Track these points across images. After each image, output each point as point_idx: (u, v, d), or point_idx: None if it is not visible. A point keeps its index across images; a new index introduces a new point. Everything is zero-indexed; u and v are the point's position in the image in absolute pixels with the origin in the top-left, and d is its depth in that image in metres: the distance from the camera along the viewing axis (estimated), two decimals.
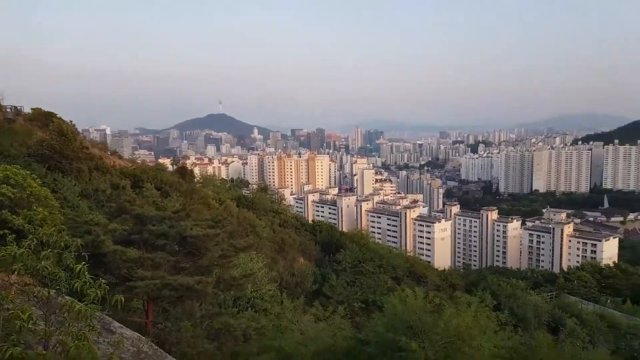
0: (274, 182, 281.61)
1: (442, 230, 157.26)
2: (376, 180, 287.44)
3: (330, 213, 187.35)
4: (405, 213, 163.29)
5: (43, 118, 38.17)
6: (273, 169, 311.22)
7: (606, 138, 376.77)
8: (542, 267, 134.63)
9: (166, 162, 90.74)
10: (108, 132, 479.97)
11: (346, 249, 44.41)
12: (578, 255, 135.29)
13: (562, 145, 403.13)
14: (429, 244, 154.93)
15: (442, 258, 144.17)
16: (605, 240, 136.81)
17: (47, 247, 6.79)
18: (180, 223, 14.77)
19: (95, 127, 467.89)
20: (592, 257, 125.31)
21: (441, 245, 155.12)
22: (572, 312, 42.60)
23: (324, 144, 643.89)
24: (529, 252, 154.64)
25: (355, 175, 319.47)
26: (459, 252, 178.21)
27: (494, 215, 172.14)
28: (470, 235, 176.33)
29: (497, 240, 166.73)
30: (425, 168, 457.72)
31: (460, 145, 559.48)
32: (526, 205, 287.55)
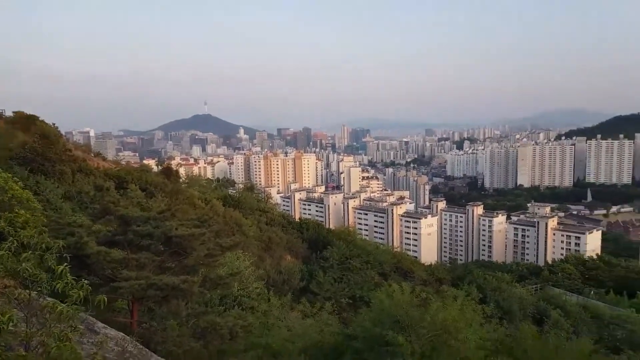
0: (260, 181, 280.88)
1: (429, 226, 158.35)
2: (363, 178, 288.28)
3: (317, 211, 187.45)
4: (392, 209, 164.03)
5: (25, 121, 37.55)
6: (259, 168, 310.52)
7: (588, 133, 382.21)
8: (527, 260, 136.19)
9: (151, 163, 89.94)
10: (92, 134, 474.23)
11: (333, 246, 44.51)
12: (562, 248, 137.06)
13: (545, 141, 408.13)
14: (415, 240, 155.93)
15: (428, 253, 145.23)
16: (589, 233, 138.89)
17: (28, 249, 6.75)
18: (165, 223, 14.70)
19: (78, 130, 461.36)
20: (576, 250, 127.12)
21: (428, 241, 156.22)
22: (557, 303, 43.19)
23: (311, 143, 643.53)
24: (514, 245, 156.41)
25: (342, 173, 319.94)
26: (445, 247, 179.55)
27: (479, 210, 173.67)
28: (457, 230, 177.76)
29: (483, 235, 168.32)
30: (412, 165, 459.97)
31: (446, 142, 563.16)
32: (511, 200, 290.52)
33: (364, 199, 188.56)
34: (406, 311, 16.97)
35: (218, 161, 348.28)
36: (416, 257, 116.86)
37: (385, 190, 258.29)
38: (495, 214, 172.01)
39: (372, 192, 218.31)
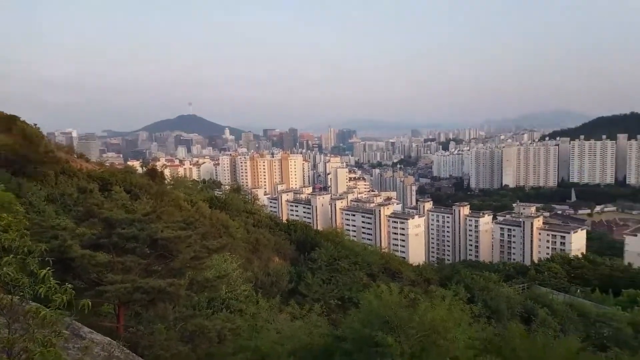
0: (246, 182, 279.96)
1: (416, 227, 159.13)
2: (350, 179, 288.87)
3: (304, 212, 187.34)
4: (379, 210, 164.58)
5: (5, 122, 36.86)
6: (246, 169, 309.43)
7: (572, 134, 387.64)
8: (514, 259, 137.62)
9: (135, 164, 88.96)
10: (74, 135, 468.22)
11: (321, 247, 44.41)
12: (548, 248, 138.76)
13: (530, 142, 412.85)
14: (403, 240, 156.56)
15: (416, 253, 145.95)
16: (574, 232, 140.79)
17: (9, 253, 6.59)
18: (151, 225, 14.50)
19: (61, 130, 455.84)
20: (561, 249, 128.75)
21: (415, 241, 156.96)
22: (544, 302, 43.59)
23: (297, 144, 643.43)
24: (501, 245, 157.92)
25: (329, 174, 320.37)
26: (432, 247, 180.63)
27: (465, 210, 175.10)
28: (444, 231, 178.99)
29: (470, 235, 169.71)
30: (398, 166, 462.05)
31: (432, 143, 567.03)
32: (497, 200, 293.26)
33: (351, 200, 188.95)
34: (395, 312, 16.94)
35: (204, 162, 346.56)
36: (404, 257, 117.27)
37: (373, 191, 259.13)
38: (481, 214, 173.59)
39: (360, 193, 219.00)
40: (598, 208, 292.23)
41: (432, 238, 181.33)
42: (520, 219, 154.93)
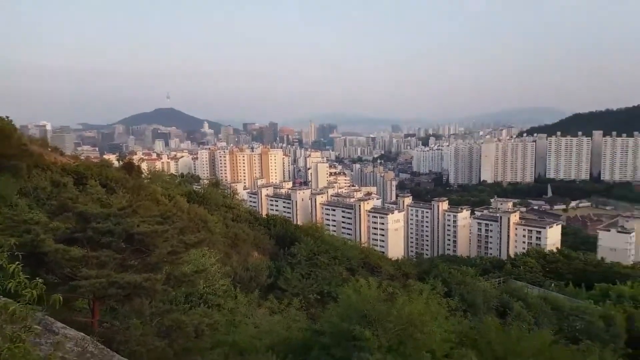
0: (226, 177, 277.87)
1: (395, 221, 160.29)
2: (330, 174, 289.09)
3: (284, 207, 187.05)
4: (360, 205, 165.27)
5: None
6: (225, 163, 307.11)
7: (549, 130, 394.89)
8: (491, 254, 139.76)
9: (112, 158, 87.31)
10: (49, 127, 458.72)
11: (301, 242, 44.33)
12: (524, 242, 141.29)
13: (508, 138, 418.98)
14: (382, 235, 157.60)
15: (395, 248, 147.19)
16: (549, 227, 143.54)
17: None
18: (127, 220, 14.27)
19: (34, 123, 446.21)
20: (537, 244, 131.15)
21: (394, 236, 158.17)
22: (519, 296, 44.32)
23: (277, 138, 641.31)
24: (478, 240, 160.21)
25: (309, 169, 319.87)
26: (411, 242, 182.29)
27: (444, 205, 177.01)
28: (422, 226, 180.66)
29: (448, 230, 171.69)
30: (379, 161, 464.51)
31: (412, 138, 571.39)
32: (475, 195, 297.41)
33: (331, 195, 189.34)
34: (373, 306, 17.06)
35: (182, 156, 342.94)
36: (383, 252, 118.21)
37: (353, 186, 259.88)
38: (459, 209, 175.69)
39: (340, 188, 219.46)
40: (573, 204, 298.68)
41: (411, 233, 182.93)
42: (498, 214, 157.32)
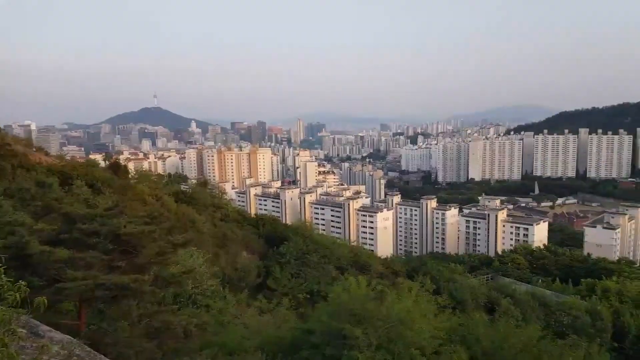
0: (214, 176, 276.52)
1: (385, 220, 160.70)
2: (319, 173, 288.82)
3: (273, 206, 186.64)
4: (349, 204, 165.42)
5: None
6: (213, 163, 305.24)
7: (536, 128, 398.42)
8: (479, 251, 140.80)
9: (98, 158, 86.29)
10: (33, 127, 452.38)
11: (290, 241, 44.30)
12: (511, 239, 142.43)
13: (495, 136, 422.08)
14: (372, 234, 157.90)
15: (384, 246, 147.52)
16: (536, 225, 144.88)
17: None
18: (113, 220, 14.11)
19: (18, 123, 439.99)
20: (524, 240, 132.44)
21: (384, 234, 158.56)
22: (507, 292, 44.83)
23: (266, 137, 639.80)
24: (466, 237, 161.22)
25: (298, 168, 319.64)
26: (400, 240, 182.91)
27: (433, 203, 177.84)
28: (411, 224, 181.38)
29: (437, 228, 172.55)
30: (367, 160, 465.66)
31: (401, 137, 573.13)
32: (463, 193, 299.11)
33: (320, 194, 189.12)
34: (363, 304, 17.10)
35: (169, 156, 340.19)
36: (373, 250, 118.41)
37: (342, 184, 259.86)
38: (448, 207, 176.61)
39: (329, 187, 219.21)
40: (560, 201, 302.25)
41: (400, 231, 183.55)
42: (485, 212, 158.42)
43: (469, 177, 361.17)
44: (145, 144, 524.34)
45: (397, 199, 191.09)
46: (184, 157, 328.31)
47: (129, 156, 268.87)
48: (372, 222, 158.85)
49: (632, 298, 48.18)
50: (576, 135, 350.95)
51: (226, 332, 17.66)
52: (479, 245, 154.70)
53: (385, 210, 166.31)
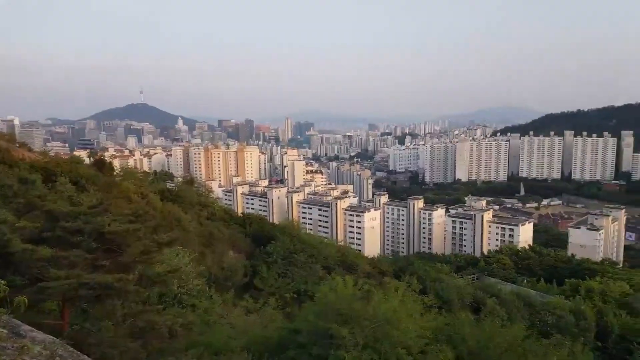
0: (200, 174, 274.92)
1: (372, 220, 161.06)
2: (307, 172, 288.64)
3: (260, 205, 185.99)
4: (336, 203, 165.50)
5: None
6: (200, 161, 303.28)
7: (522, 130, 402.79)
8: (465, 251, 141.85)
9: (82, 154, 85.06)
10: (16, 122, 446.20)
11: (277, 240, 44.17)
12: (497, 240, 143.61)
13: (482, 137, 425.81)
14: (359, 233, 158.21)
15: (372, 246, 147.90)
16: (522, 225, 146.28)
17: None
18: (98, 218, 13.90)
19: (1, 118, 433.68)
20: (509, 241, 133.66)
21: (371, 234, 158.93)
22: (492, 292, 45.20)
23: (254, 136, 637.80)
24: (453, 238, 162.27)
25: (285, 166, 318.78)
26: (387, 240, 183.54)
27: (420, 204, 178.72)
28: (399, 224, 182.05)
29: (423, 228, 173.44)
30: (355, 159, 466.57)
31: (388, 137, 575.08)
32: (450, 194, 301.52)
33: (308, 193, 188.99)
34: (349, 304, 17.08)
35: (155, 153, 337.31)
36: (360, 250, 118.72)
37: (330, 184, 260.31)
38: (435, 207, 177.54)
39: (317, 186, 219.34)
40: (545, 202, 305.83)
41: (388, 231, 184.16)
42: (472, 212, 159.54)
43: (456, 178, 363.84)
44: (131, 141, 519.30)
45: (384, 199, 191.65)
46: (171, 155, 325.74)
47: (114, 153, 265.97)
48: (359, 221, 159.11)
49: (615, 298, 48.95)
50: (562, 138, 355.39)
51: (212, 332, 17.53)
52: (465, 246, 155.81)
53: (372, 210, 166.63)
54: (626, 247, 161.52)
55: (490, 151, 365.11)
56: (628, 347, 35.80)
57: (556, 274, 62.30)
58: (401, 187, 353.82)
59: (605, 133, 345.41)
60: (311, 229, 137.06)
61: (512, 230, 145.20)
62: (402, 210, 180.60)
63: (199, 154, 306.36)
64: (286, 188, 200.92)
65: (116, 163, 60.03)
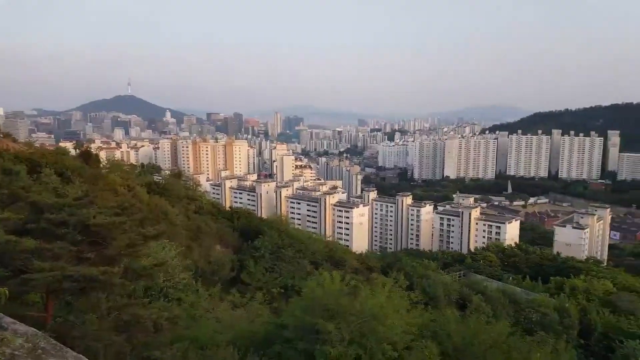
0: (188, 167, 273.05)
1: (360, 215, 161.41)
2: (296, 167, 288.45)
3: (249, 199, 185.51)
4: (325, 199, 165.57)
5: None
6: (188, 154, 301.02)
7: (510, 128, 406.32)
8: (452, 248, 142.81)
9: (68, 145, 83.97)
10: (1, 112, 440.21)
11: (265, 235, 44.05)
12: (484, 237, 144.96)
13: (471, 135, 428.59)
14: (347, 229, 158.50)
15: (360, 242, 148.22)
16: (508, 223, 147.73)
17: None
18: (83, 211, 13.73)
19: None
20: (496, 238, 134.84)
21: (359, 230, 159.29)
22: (478, 289, 45.53)
23: (242, 129, 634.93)
24: (440, 234, 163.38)
25: (274, 161, 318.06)
26: (376, 236, 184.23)
27: (408, 200, 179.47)
28: (387, 220, 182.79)
29: (411, 224, 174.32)
30: (345, 155, 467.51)
31: (378, 133, 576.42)
32: (438, 190, 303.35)
33: (297, 188, 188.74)
34: (336, 299, 17.10)
35: (142, 145, 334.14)
36: (348, 246, 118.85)
37: (319, 179, 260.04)
38: (423, 204, 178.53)
39: (305, 181, 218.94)
40: (532, 200, 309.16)
41: (376, 227, 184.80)
42: (459, 209, 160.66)
43: (445, 175, 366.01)
44: (118, 133, 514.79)
45: (373, 194, 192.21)
46: (158, 147, 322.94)
47: (101, 145, 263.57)
48: (347, 217, 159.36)
49: (598, 296, 49.62)
50: (549, 136, 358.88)
51: (198, 326, 17.44)
52: (452, 242, 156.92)
53: (361, 206, 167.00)
54: (610, 246, 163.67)
55: (478, 149, 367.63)
56: (610, 345, 36.34)
57: (542, 271, 62.95)
58: (390, 184, 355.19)
59: (592, 132, 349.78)
60: (299, 224, 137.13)
61: (499, 227, 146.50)
62: (391, 206, 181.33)
63: (187, 147, 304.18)
64: (275, 183, 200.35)
65: (103, 155, 59.24)
